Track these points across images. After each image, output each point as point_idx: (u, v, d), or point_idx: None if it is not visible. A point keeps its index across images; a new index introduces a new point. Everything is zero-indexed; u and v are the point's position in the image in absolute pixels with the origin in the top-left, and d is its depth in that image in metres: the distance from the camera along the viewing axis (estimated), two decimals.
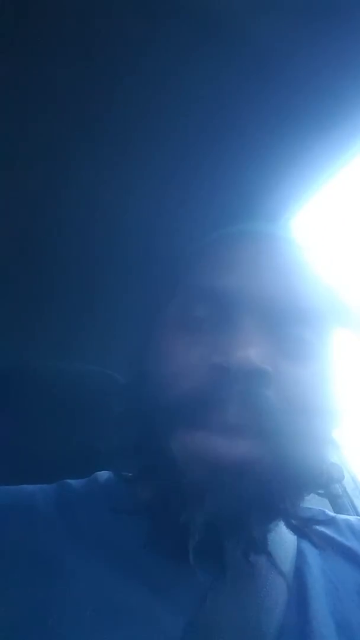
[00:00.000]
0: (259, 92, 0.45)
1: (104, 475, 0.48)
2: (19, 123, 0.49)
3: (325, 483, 0.40)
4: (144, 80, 0.44)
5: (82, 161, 0.53)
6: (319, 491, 0.41)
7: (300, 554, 0.42)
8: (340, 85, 0.43)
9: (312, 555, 0.43)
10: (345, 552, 0.44)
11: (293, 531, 0.39)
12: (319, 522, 0.41)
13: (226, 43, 0.41)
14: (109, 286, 0.69)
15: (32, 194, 0.57)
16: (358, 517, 0.53)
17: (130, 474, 0.43)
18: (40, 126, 0.49)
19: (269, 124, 0.47)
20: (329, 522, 0.46)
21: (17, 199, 0.58)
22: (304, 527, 0.39)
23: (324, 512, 0.48)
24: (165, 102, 0.46)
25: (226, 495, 0.35)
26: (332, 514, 0.48)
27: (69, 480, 0.47)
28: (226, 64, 0.42)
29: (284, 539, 0.42)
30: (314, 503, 0.43)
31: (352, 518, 0.49)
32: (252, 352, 0.36)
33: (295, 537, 0.43)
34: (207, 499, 0.35)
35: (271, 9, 0.38)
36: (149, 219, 0.58)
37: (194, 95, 0.46)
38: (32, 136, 0.50)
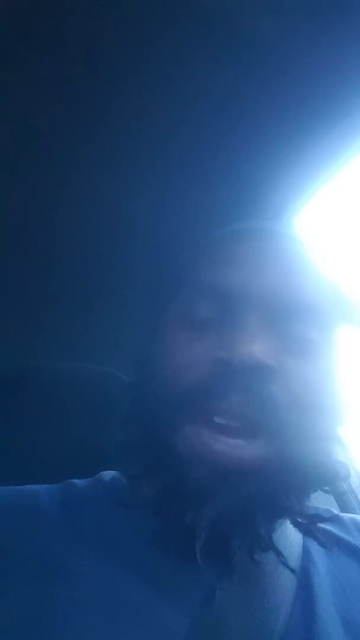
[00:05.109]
0: (261, 91, 0.45)
1: (109, 474, 0.48)
2: (22, 126, 0.50)
3: (331, 480, 0.40)
4: (146, 81, 0.45)
5: (86, 161, 0.53)
6: (325, 488, 0.41)
7: (306, 552, 0.42)
8: (342, 83, 0.43)
9: (318, 554, 0.43)
10: (352, 551, 0.44)
11: (299, 529, 0.39)
12: (324, 520, 0.41)
13: (228, 43, 0.41)
14: (114, 285, 0.69)
15: (36, 195, 0.58)
16: None
17: (135, 473, 0.43)
18: (43, 128, 0.50)
19: (271, 123, 0.48)
20: (335, 520, 0.46)
21: (21, 200, 0.58)
22: (309, 525, 0.39)
23: (329, 510, 0.48)
24: (167, 102, 0.47)
25: (231, 492, 0.35)
26: (338, 512, 0.48)
27: (74, 480, 0.47)
28: (228, 64, 0.43)
29: (289, 538, 0.41)
30: (319, 501, 0.43)
31: (358, 516, 0.49)
32: (256, 347, 0.36)
33: (301, 536, 0.43)
34: (213, 497, 0.35)
35: (273, 9, 0.38)
36: (153, 218, 0.59)
37: (196, 95, 0.46)
38: (36, 139, 0.51)
